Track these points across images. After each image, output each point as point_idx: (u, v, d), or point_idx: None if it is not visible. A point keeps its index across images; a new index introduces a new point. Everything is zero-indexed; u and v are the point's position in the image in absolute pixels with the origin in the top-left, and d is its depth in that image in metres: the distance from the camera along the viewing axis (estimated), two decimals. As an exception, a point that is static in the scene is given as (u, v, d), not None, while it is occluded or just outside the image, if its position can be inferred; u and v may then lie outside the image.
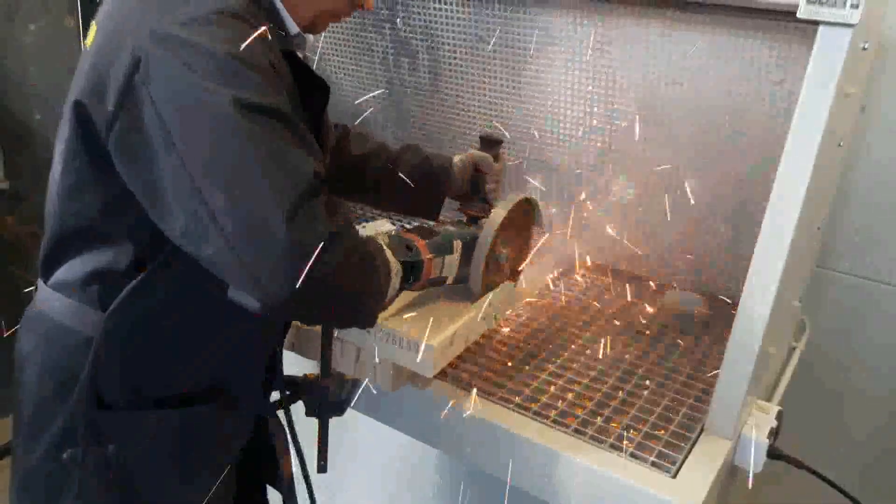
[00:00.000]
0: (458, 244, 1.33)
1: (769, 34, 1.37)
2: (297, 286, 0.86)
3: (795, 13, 1.16)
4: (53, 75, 2.22)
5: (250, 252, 0.87)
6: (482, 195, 1.51)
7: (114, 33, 0.94)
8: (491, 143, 1.50)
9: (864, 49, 1.32)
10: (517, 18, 1.62)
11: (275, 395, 1.36)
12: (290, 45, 1.07)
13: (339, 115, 2.08)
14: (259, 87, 0.89)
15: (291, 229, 0.85)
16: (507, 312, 1.58)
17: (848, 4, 1.13)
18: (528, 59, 1.66)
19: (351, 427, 1.56)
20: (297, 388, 1.37)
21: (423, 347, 1.25)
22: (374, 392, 1.35)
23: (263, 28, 0.93)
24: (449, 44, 1.75)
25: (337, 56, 1.98)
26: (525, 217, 1.48)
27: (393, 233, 1.28)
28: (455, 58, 1.77)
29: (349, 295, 0.99)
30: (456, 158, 1.48)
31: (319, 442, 1.39)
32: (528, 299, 1.69)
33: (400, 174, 1.43)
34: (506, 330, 1.56)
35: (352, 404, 1.40)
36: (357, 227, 1.71)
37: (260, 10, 1.01)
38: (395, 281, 1.15)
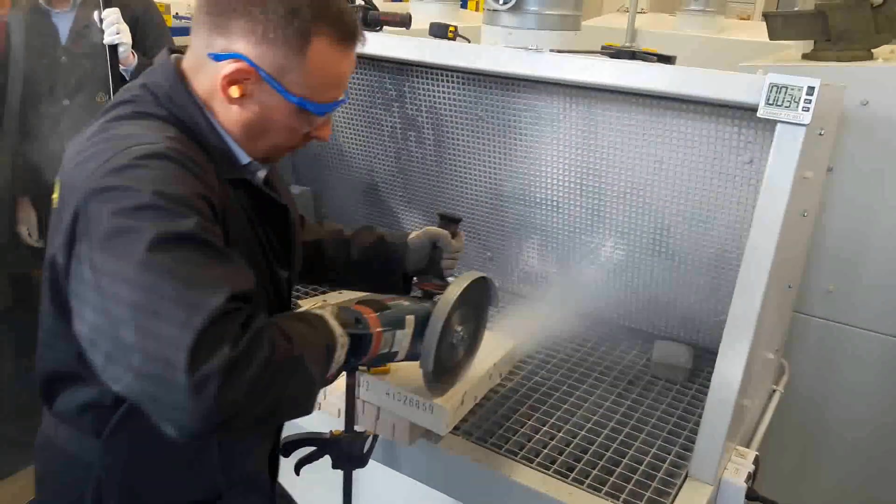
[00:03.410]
0: (410, 319, 1.28)
1: (738, 121, 1.54)
2: (208, 419, 0.87)
3: (757, 110, 1.35)
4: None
5: (157, 390, 0.87)
6: (439, 271, 1.51)
7: (64, 194, 1.00)
8: (449, 221, 1.52)
9: (820, 135, 1.49)
10: (512, 101, 1.80)
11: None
12: (241, 174, 1.12)
13: (351, 185, 2.26)
14: (179, 219, 0.91)
15: (193, 366, 0.85)
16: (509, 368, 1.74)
17: (800, 107, 1.31)
18: (523, 136, 1.83)
19: (370, 476, 1.72)
20: (323, 444, 1.51)
21: (437, 409, 1.41)
22: (393, 445, 1.51)
23: (193, 165, 0.98)
24: (451, 121, 1.93)
25: (349, 130, 2.15)
26: (481, 295, 1.46)
27: (339, 303, 1.24)
28: (457, 133, 1.94)
29: (271, 405, 0.96)
30: (412, 235, 1.50)
31: (345, 492, 1.54)
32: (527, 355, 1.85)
33: (356, 256, 1.48)
34: (509, 384, 1.72)
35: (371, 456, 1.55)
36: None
37: (200, 146, 1.06)
38: (341, 354, 1.13)
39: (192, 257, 0.91)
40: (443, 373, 1.40)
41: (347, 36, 1.09)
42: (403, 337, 1.27)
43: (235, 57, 1.04)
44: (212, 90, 1.08)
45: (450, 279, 1.47)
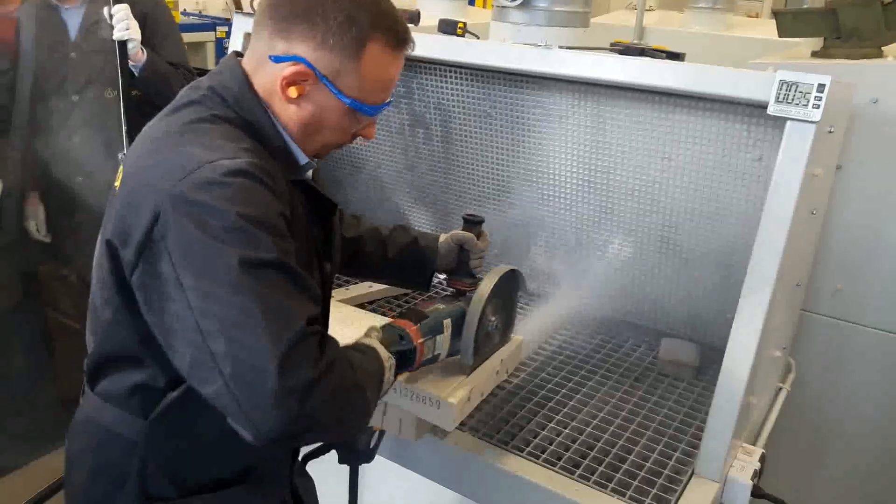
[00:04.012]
0: (447, 322, 1.41)
1: (747, 118, 1.53)
2: (286, 427, 0.97)
3: (767, 108, 1.34)
4: (94, 142, 2.40)
5: (245, 395, 0.96)
6: (468, 270, 1.61)
7: (138, 189, 1.05)
8: (473, 223, 1.61)
9: (830, 132, 1.49)
10: (521, 98, 1.80)
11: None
12: (300, 175, 1.19)
13: (361, 181, 2.26)
14: (264, 244, 0.99)
15: (282, 377, 0.95)
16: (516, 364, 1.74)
17: (810, 105, 1.31)
18: (531, 133, 1.83)
19: (377, 471, 1.72)
20: (331, 439, 1.52)
21: (443, 405, 1.42)
22: (399, 441, 1.51)
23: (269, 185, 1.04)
24: (459, 118, 1.93)
25: (356, 125, 2.16)
26: (510, 285, 1.57)
27: (383, 324, 1.35)
28: (465, 130, 1.94)
29: (336, 424, 1.07)
30: (442, 238, 1.61)
31: (351, 486, 1.55)
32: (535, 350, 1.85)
33: (391, 255, 1.58)
34: (516, 380, 1.72)
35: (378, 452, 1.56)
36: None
37: (270, 152, 1.13)
38: (390, 375, 1.23)
39: (275, 281, 1.00)
40: (481, 359, 1.53)
41: (399, 42, 1.16)
42: (443, 340, 1.41)
43: (295, 60, 1.10)
44: (271, 90, 1.14)
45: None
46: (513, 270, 1.56)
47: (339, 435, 1.27)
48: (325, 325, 1.28)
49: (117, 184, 1.15)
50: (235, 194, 1.00)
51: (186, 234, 0.98)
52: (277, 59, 1.11)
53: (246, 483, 1.25)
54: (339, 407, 1.04)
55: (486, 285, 1.47)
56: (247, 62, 1.17)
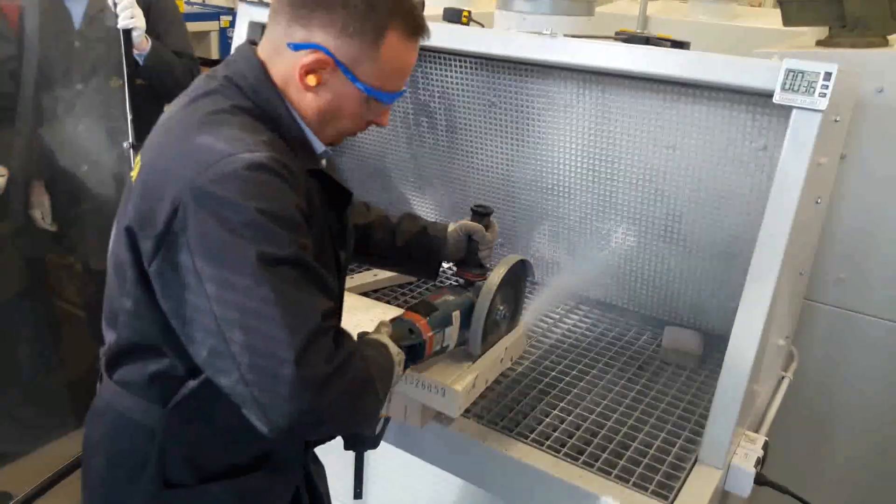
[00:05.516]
0: (456, 314, 1.44)
1: (752, 107, 1.53)
2: (300, 419, 0.98)
3: (773, 96, 1.34)
4: (98, 131, 2.41)
5: (261, 386, 0.97)
6: (477, 261, 1.61)
7: (157, 180, 1.06)
8: (482, 215, 1.62)
9: (835, 122, 1.49)
10: (525, 86, 1.80)
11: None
12: (316, 163, 1.20)
13: (364, 170, 2.27)
14: (281, 240, 1.00)
15: (299, 369, 0.96)
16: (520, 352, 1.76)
17: (817, 93, 1.30)
18: (536, 122, 1.83)
19: (382, 457, 1.73)
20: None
21: (448, 391, 1.43)
22: (404, 428, 1.52)
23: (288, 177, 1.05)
24: (464, 107, 1.93)
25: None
26: (519, 274, 1.60)
27: (393, 318, 1.37)
28: (469, 119, 1.94)
29: (348, 418, 1.09)
30: (451, 227, 1.60)
31: (356, 472, 1.56)
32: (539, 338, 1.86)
33: (400, 243, 1.58)
34: (520, 368, 1.73)
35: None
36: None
37: (287, 142, 1.13)
38: (399, 369, 1.25)
39: (291, 277, 1.00)
40: (488, 347, 1.55)
41: (417, 30, 1.16)
42: (452, 332, 1.43)
43: (314, 48, 1.10)
44: (287, 78, 1.14)
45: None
46: (522, 261, 1.57)
47: (351, 429, 1.30)
48: (339, 316, 1.29)
49: (134, 174, 1.15)
50: (254, 189, 1.00)
51: (206, 227, 0.99)
52: (296, 47, 1.11)
53: (262, 470, 1.26)
54: (351, 402, 1.06)
55: (496, 276, 1.48)
56: (262, 50, 1.17)
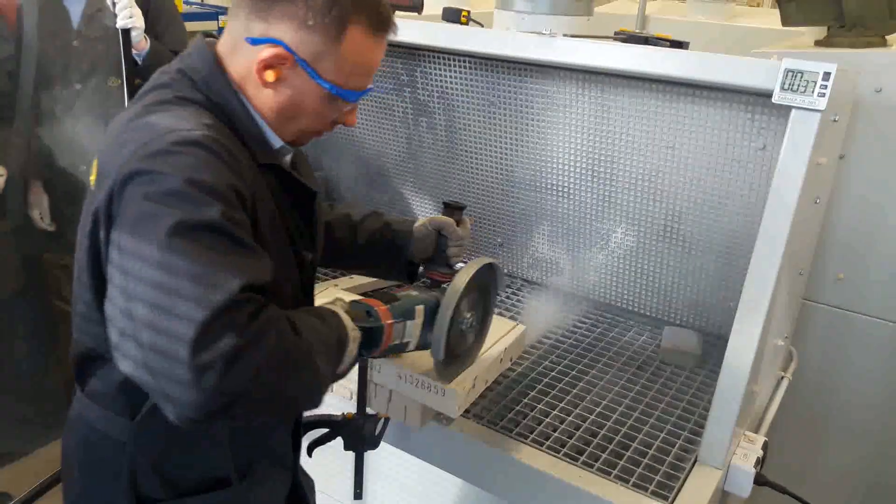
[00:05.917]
0: (420, 309, 1.30)
1: (751, 107, 1.54)
2: (207, 401, 0.87)
3: (772, 96, 1.34)
4: (97, 131, 2.41)
5: (160, 367, 0.88)
6: (446, 260, 1.52)
7: (102, 175, 1.03)
8: (453, 209, 1.53)
9: (834, 121, 1.49)
10: (524, 86, 1.80)
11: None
12: (273, 159, 1.14)
13: (362, 169, 2.26)
14: (208, 207, 0.93)
15: (197, 345, 0.86)
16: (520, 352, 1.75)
17: (816, 93, 1.31)
18: (535, 121, 1.83)
19: (382, 457, 1.74)
20: (336, 426, 1.53)
21: (448, 392, 1.42)
22: (404, 428, 1.52)
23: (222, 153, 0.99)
24: (463, 106, 1.93)
25: (361, 115, 2.15)
26: (488, 281, 1.47)
27: (351, 300, 1.25)
28: (468, 119, 1.94)
29: (275, 398, 0.96)
30: (418, 223, 1.53)
31: (356, 472, 1.56)
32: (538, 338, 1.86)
33: (361, 241, 1.50)
34: (520, 368, 1.73)
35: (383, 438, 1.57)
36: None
37: (235, 132, 1.08)
38: (353, 347, 1.14)
39: (212, 244, 0.92)
40: (453, 359, 1.42)
41: (382, 26, 1.12)
42: (414, 327, 1.30)
43: (273, 42, 1.06)
44: (246, 73, 1.10)
45: (459, 266, 1.47)
46: (490, 264, 1.43)
47: (287, 408, 1.14)
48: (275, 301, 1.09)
49: (92, 178, 1.10)
50: (184, 161, 0.95)
51: (130, 201, 0.95)
52: (254, 42, 1.07)
53: (245, 483, 1.21)
54: (274, 378, 0.93)
55: (462, 277, 1.34)
56: (222, 45, 1.13)
